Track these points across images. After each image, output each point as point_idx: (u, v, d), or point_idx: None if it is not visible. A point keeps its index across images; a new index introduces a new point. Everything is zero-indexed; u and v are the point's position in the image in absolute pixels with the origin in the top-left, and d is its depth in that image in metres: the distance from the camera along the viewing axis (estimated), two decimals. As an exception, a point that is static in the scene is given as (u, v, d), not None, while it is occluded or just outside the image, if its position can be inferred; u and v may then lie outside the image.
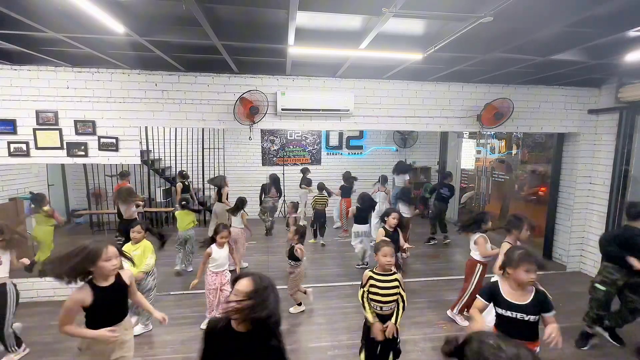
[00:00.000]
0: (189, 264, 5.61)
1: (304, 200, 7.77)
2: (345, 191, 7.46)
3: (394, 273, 2.81)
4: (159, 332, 3.85)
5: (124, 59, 4.16)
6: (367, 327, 2.89)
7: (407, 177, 7.85)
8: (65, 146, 4.34)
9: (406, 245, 4.51)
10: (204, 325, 3.93)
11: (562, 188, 5.77)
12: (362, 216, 5.63)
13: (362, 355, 2.94)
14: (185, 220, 5.44)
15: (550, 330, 2.21)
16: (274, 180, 7.44)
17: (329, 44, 3.47)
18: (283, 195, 7.83)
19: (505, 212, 7.46)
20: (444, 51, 3.37)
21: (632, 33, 3.00)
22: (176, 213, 5.55)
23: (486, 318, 2.51)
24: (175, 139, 8.08)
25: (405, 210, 5.98)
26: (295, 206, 6.45)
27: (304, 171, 7.89)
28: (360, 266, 5.69)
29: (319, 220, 6.84)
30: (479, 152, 8.19)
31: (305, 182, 7.70)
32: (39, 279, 4.59)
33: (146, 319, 3.86)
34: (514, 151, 7.26)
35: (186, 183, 7.00)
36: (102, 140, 4.40)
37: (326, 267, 5.81)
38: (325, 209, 6.90)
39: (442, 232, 7.15)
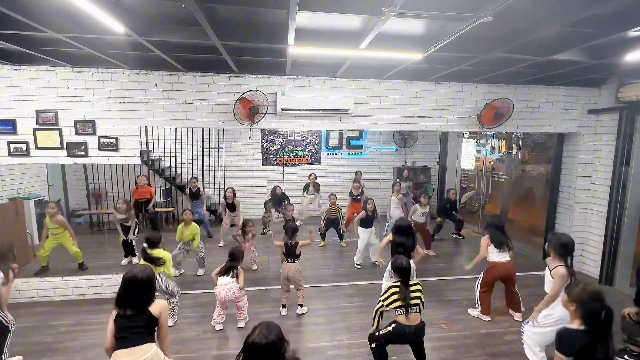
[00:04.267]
0: (202, 265, 5.40)
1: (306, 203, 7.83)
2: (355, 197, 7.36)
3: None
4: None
5: (124, 59, 4.16)
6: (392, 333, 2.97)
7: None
8: (65, 146, 4.34)
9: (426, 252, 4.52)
10: (214, 324, 3.98)
11: (562, 188, 5.76)
12: (367, 221, 5.64)
13: (374, 344, 3.02)
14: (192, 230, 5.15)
15: None
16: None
17: (329, 44, 3.47)
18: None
19: (505, 212, 7.47)
20: (444, 51, 3.37)
21: (632, 33, 3.00)
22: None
23: None
24: (175, 139, 8.08)
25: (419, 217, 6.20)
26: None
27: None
28: (359, 267, 5.70)
29: (333, 226, 6.68)
30: (479, 152, 8.19)
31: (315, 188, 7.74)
32: (39, 279, 4.59)
33: None
34: (514, 151, 7.26)
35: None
36: (102, 140, 4.40)
37: (326, 267, 5.81)
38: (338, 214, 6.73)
39: (456, 229, 7.33)
